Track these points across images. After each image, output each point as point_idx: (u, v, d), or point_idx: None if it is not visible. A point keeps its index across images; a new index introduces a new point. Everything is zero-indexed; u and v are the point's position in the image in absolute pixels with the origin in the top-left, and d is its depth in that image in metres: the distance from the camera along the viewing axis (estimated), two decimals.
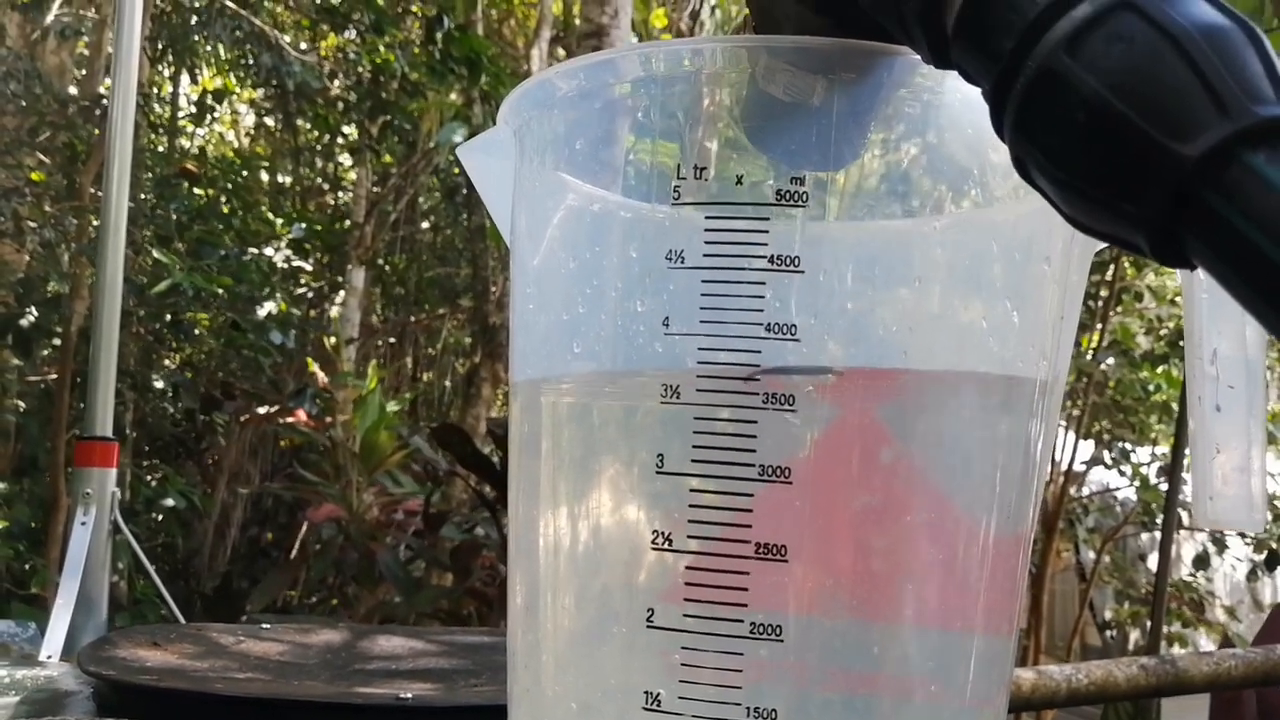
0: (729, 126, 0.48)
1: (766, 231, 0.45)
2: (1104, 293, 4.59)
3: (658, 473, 0.46)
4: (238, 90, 6.55)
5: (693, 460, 0.45)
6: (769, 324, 0.45)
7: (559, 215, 0.54)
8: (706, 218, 0.46)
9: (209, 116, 6.95)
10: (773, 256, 0.45)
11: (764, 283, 0.45)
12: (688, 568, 0.45)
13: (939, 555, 0.47)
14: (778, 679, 0.45)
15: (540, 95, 0.53)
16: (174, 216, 5.30)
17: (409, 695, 0.92)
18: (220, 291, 5.02)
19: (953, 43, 0.38)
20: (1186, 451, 3.19)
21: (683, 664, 0.45)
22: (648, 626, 0.46)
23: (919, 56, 0.43)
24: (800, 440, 0.45)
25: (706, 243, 0.46)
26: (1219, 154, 0.30)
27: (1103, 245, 0.55)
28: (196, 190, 5.95)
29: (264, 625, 1.32)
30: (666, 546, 0.45)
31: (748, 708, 0.44)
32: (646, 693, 0.46)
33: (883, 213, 0.48)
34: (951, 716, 0.49)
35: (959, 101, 0.46)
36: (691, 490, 0.45)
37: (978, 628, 0.48)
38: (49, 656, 1.40)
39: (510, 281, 0.57)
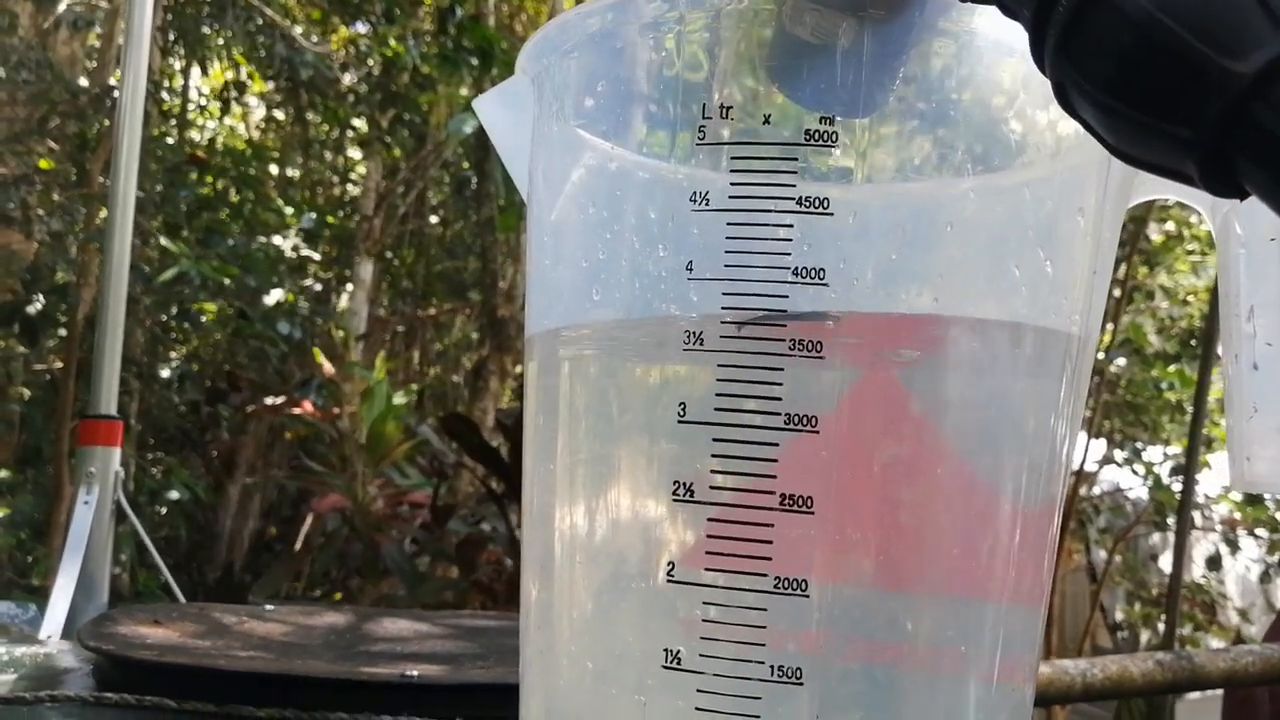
0: (755, 67, 0.46)
1: (795, 172, 0.44)
2: (1116, 291, 4.57)
3: (679, 422, 0.44)
4: (253, 77, 6.53)
5: (716, 409, 0.44)
6: (796, 268, 0.43)
7: (578, 170, 0.52)
8: (732, 158, 0.44)
9: (227, 108, 6.94)
10: (801, 198, 0.43)
11: (791, 225, 0.43)
12: (710, 520, 0.44)
13: (968, 510, 0.46)
14: (803, 637, 0.43)
15: (559, 39, 0.51)
16: (183, 206, 5.30)
17: (415, 673, 0.91)
18: (227, 281, 5.01)
19: None
20: (1200, 451, 3.18)
21: (704, 620, 0.44)
22: (668, 582, 0.45)
23: None
24: (828, 388, 0.43)
25: (732, 184, 0.44)
26: (1274, 71, 0.28)
27: (1135, 202, 0.54)
28: (206, 179, 5.95)
29: (267, 606, 1.31)
30: (688, 498, 0.44)
31: (771, 665, 0.43)
32: (666, 650, 0.44)
33: (914, 158, 0.46)
34: (979, 688, 0.47)
35: (991, 44, 0.45)
36: (714, 440, 0.44)
37: (1007, 591, 0.47)
38: (49, 636, 1.39)
39: (526, 237, 0.56)
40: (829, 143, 0.44)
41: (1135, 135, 0.32)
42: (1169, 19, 0.30)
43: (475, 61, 4.73)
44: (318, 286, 6.77)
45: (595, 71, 0.50)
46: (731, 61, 0.46)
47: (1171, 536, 4.02)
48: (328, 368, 5.22)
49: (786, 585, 0.43)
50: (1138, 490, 5.31)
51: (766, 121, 0.45)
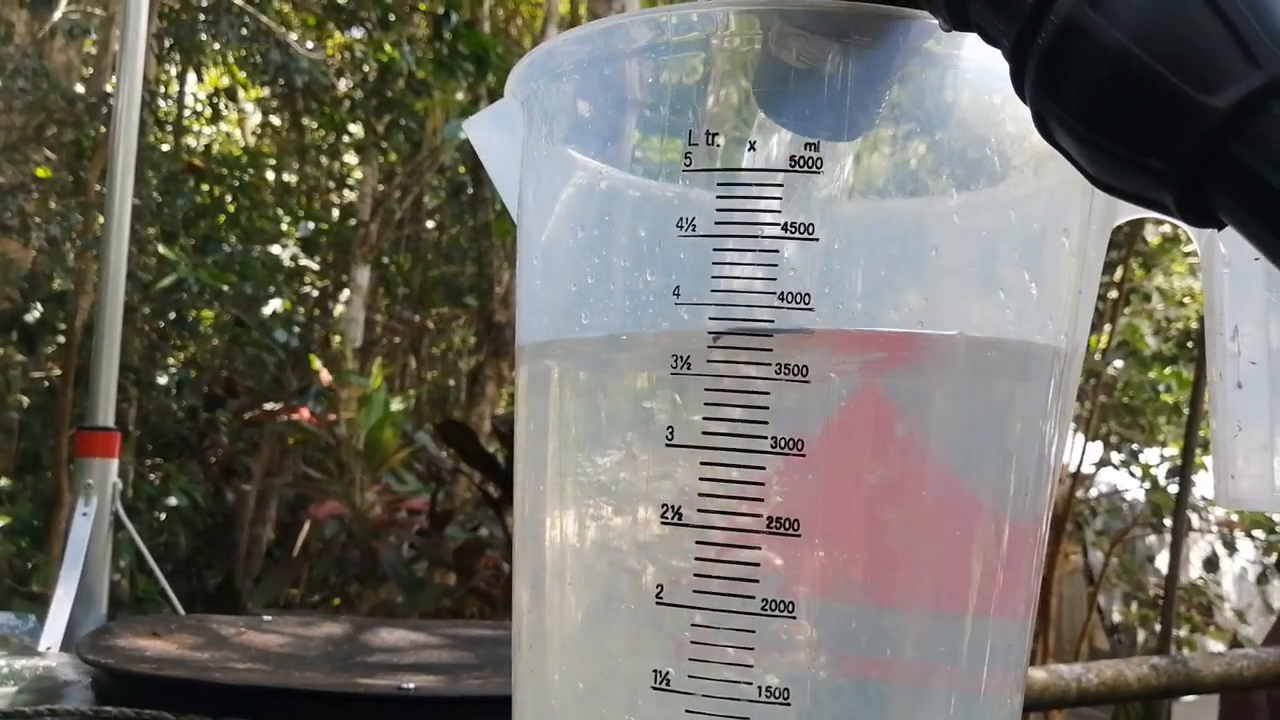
0: (742, 93, 0.46)
1: (780, 198, 0.44)
2: (1113, 294, 4.57)
3: (667, 445, 0.45)
4: (246, 87, 6.53)
5: (703, 433, 0.44)
6: (782, 292, 0.43)
7: (567, 192, 0.53)
8: (718, 184, 0.45)
9: (219, 114, 6.95)
10: (786, 224, 0.44)
11: (777, 250, 0.44)
12: (698, 542, 0.44)
13: (955, 532, 0.46)
14: (790, 658, 0.44)
15: (549, 64, 0.52)
16: (179, 214, 5.30)
17: (411, 685, 0.91)
18: (225, 288, 5.01)
19: (970, 1, 0.37)
20: (1196, 453, 3.18)
21: (692, 642, 0.44)
22: (657, 603, 0.45)
23: (935, 20, 0.42)
24: (814, 412, 0.44)
25: (718, 210, 0.45)
26: (1249, 105, 0.29)
27: (1120, 222, 0.54)
28: (203, 186, 5.95)
29: (265, 617, 1.31)
30: (676, 521, 0.44)
31: (759, 687, 0.43)
32: (655, 671, 0.44)
33: (899, 182, 0.46)
34: (966, 702, 0.47)
35: (975, 68, 0.45)
36: (702, 464, 0.44)
37: (994, 606, 0.47)
38: (48, 647, 1.39)
39: (517, 257, 0.56)
40: (814, 168, 0.44)
41: (1113, 166, 0.33)
42: (1144, 52, 0.30)
43: (470, 67, 4.73)
44: (314, 293, 6.76)
45: (585, 96, 0.51)
46: (719, 88, 0.47)
47: (1168, 538, 4.02)
48: (325, 375, 5.22)
49: (774, 607, 0.43)
50: (1134, 492, 5.31)
51: (752, 148, 0.45)
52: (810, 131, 0.44)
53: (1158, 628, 3.99)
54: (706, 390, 0.44)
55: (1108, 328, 4.64)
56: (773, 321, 0.43)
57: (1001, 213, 0.48)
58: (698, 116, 0.46)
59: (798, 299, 0.43)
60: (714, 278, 0.44)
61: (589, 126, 0.51)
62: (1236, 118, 0.29)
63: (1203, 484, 4.79)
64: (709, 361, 0.44)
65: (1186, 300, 5.09)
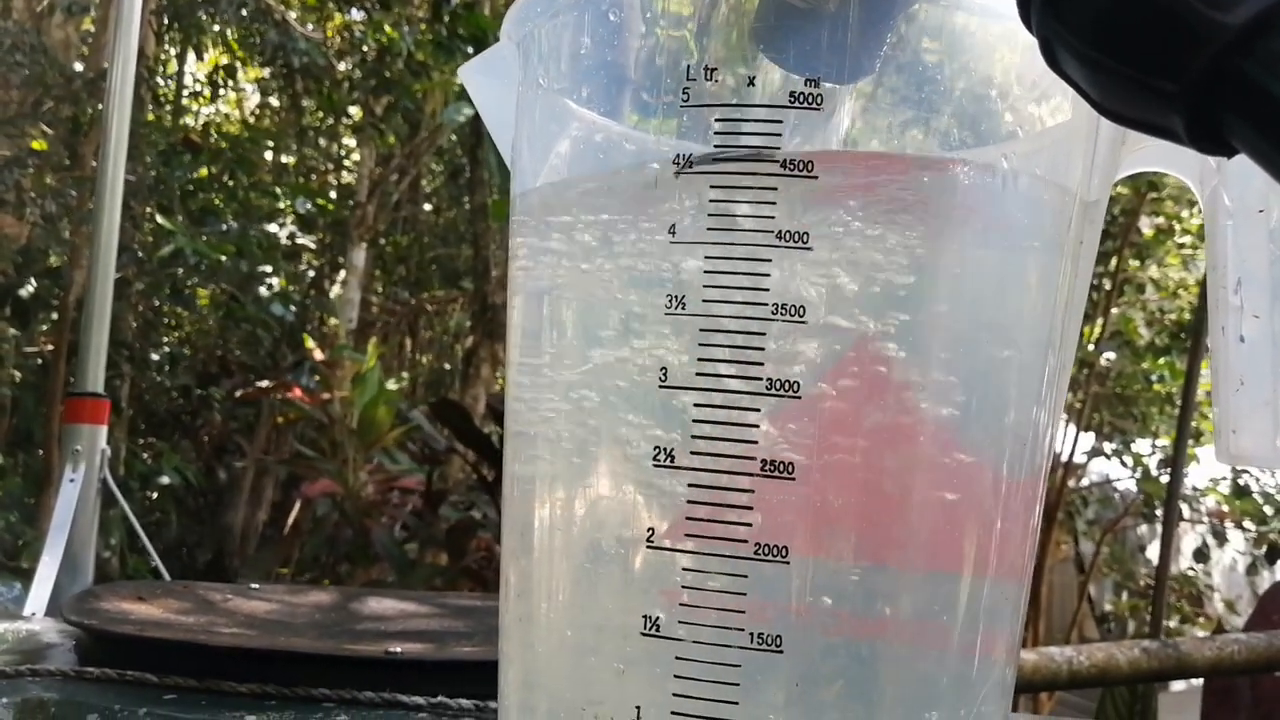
0: (742, 29, 0.45)
1: (780, 135, 0.43)
2: (1106, 284, 4.57)
3: (660, 387, 0.44)
4: (245, 61, 6.51)
5: (697, 374, 0.43)
6: (780, 231, 0.43)
7: (563, 144, 0.52)
8: (716, 119, 0.44)
9: (219, 93, 6.93)
10: (785, 161, 0.43)
11: (775, 189, 0.43)
12: (690, 485, 0.43)
13: (951, 479, 0.45)
14: (783, 604, 0.43)
15: (545, 1, 0.50)
16: (177, 189, 5.29)
17: (399, 650, 0.90)
18: (222, 260, 5.00)
19: None
20: (1189, 443, 3.18)
21: (684, 586, 0.43)
22: (647, 547, 0.44)
23: None
24: (810, 353, 0.43)
25: (716, 145, 0.44)
26: (1261, 23, 0.28)
27: (1122, 175, 0.53)
28: (200, 160, 5.93)
29: (253, 585, 1.30)
30: (668, 463, 0.43)
31: (751, 633, 0.42)
32: (645, 617, 0.44)
33: (898, 126, 0.46)
34: (960, 662, 0.47)
35: (980, 9, 0.45)
36: (695, 405, 0.43)
37: (990, 561, 0.46)
38: (33, 613, 1.38)
39: (510, 204, 0.55)
40: (814, 105, 0.43)
41: (1121, 91, 0.32)
42: None
43: (470, 49, 4.72)
44: (311, 273, 6.75)
45: (581, 33, 0.50)
46: (719, 24, 0.46)
47: (1159, 528, 4.03)
48: (318, 353, 5.21)
49: (767, 552, 0.42)
50: (1126, 482, 5.31)
51: (751, 84, 0.44)
52: (810, 70, 0.43)
53: (1148, 617, 4.00)
54: (701, 331, 0.43)
55: (1101, 318, 4.64)
56: (771, 260, 0.43)
57: (1004, 158, 0.47)
58: (698, 52, 0.45)
59: (795, 238, 0.42)
60: (710, 215, 0.43)
61: (585, 65, 0.50)
62: (1248, 35, 0.28)
63: (1194, 474, 4.80)
64: (704, 301, 0.43)
65: (1180, 291, 5.09)
